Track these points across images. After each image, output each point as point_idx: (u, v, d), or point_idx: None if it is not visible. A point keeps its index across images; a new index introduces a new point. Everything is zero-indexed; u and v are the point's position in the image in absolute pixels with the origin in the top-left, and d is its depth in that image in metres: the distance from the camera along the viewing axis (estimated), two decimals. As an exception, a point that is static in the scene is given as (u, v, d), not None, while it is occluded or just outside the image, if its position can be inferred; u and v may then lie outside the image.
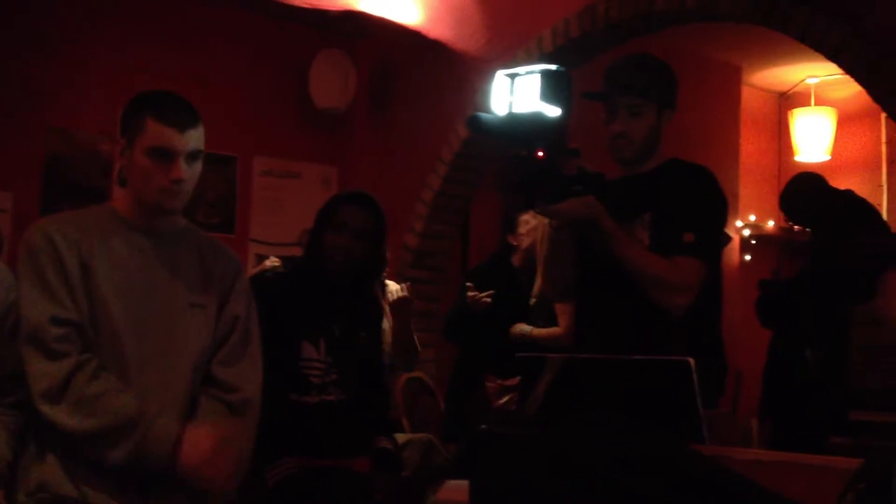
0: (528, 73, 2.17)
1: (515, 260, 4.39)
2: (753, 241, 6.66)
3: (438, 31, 5.36)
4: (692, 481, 1.34)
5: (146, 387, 2.08)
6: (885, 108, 3.68)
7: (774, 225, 6.68)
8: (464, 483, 1.70)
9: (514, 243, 4.38)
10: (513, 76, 2.19)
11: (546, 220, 2.48)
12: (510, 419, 1.70)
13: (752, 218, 6.68)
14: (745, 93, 6.74)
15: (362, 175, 5.61)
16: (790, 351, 3.93)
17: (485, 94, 2.29)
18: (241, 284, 2.27)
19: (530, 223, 4.17)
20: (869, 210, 3.94)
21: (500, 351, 4.04)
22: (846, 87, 5.66)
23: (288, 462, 2.54)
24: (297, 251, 4.13)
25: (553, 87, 2.14)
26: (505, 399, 4.08)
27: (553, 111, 2.17)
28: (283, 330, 2.58)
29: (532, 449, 1.52)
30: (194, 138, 2.12)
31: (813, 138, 6.48)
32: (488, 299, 4.10)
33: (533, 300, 4.11)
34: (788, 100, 6.96)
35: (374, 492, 2.63)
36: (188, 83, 4.15)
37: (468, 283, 4.15)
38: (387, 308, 3.86)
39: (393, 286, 3.96)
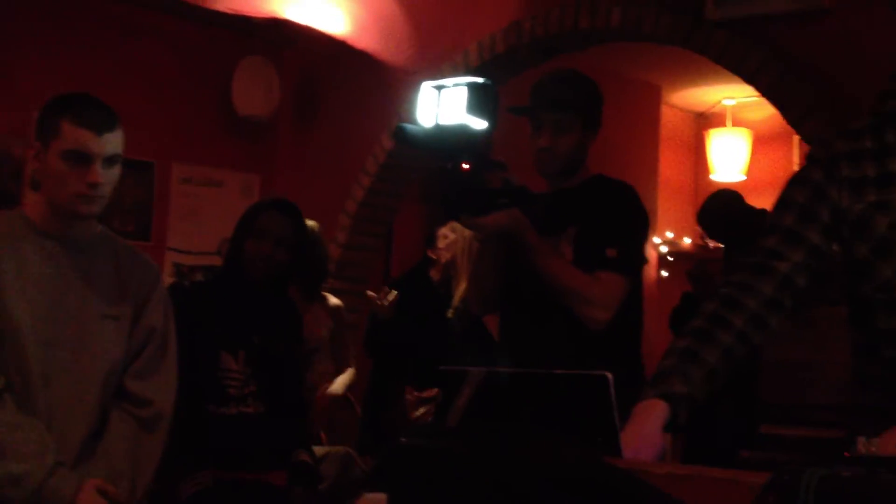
0: (454, 85, 2.17)
1: (434, 273, 4.40)
2: (670, 258, 6.79)
3: (365, 41, 5.35)
4: (609, 495, 1.34)
5: (53, 400, 2.01)
6: (797, 131, 3.79)
7: (691, 242, 6.83)
8: (381, 496, 1.69)
9: (434, 257, 4.39)
10: (439, 88, 2.19)
11: (469, 233, 2.48)
12: (429, 432, 1.69)
13: (670, 235, 6.82)
14: (665, 112, 6.89)
15: (285, 184, 5.55)
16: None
17: (411, 105, 2.29)
18: (158, 295, 2.21)
19: (449, 237, 4.18)
20: None
21: (417, 363, 4.04)
22: (761, 109, 5.83)
23: (203, 475, 2.50)
24: (217, 261, 4.07)
25: (479, 101, 2.15)
26: (422, 411, 4.07)
27: (479, 124, 2.18)
28: (202, 340, 2.54)
29: (451, 462, 1.51)
30: (112, 142, 2.07)
31: (729, 158, 6.65)
32: (387, 302, 4.08)
33: (452, 313, 4.12)
34: (706, 120, 7.13)
35: (292, 505, 2.60)
36: (106, 86, 4.04)
37: (368, 293, 4.13)
38: (328, 316, 3.82)
39: (333, 300, 3.92)
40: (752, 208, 4.20)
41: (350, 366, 3.95)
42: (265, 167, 5.72)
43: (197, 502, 2.47)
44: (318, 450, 2.90)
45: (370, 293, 4.12)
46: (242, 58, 5.47)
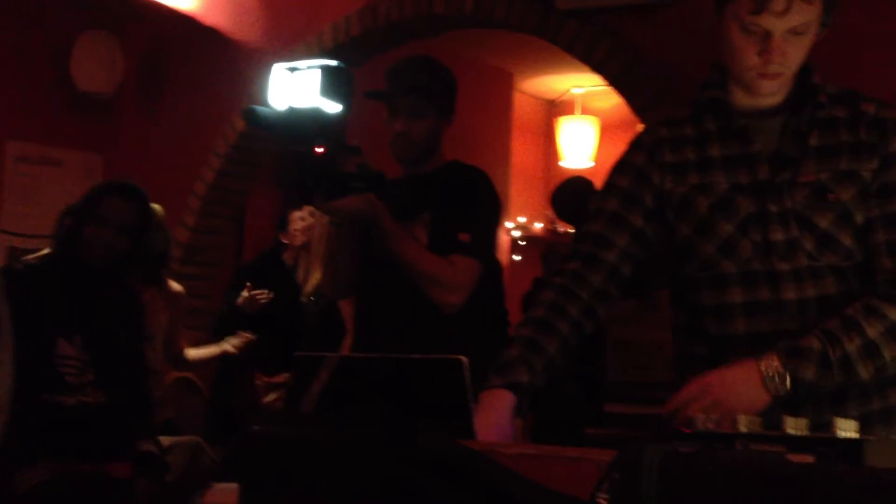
0: (307, 67, 2.14)
1: (287, 258, 4.34)
2: (522, 242, 6.94)
3: (214, 17, 5.20)
4: (462, 477, 1.36)
5: None
6: (642, 119, 3.93)
7: (542, 227, 7.00)
8: (233, 486, 1.65)
9: (286, 241, 4.32)
10: (292, 70, 2.15)
11: (325, 218, 2.46)
12: (283, 419, 1.67)
13: (522, 220, 6.96)
14: (517, 99, 7.01)
15: (129, 164, 5.33)
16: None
17: (262, 86, 2.24)
18: None
19: (305, 221, 4.13)
20: None
21: (268, 348, 3.98)
22: (609, 98, 6.01)
23: (40, 467, 2.39)
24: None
25: (333, 84, 2.12)
26: (272, 397, 4.02)
27: (333, 107, 2.15)
28: (36, 325, 2.42)
29: (306, 450, 1.50)
30: None
31: (578, 145, 6.84)
32: (264, 300, 4.01)
33: (305, 298, 4.07)
34: (556, 107, 7.31)
35: (136, 497, 2.52)
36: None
37: (247, 283, 4.04)
38: (169, 302, 3.70)
39: (174, 286, 3.80)
40: None
41: (183, 353, 3.85)
42: (108, 146, 5.48)
43: (34, 496, 2.36)
44: (166, 440, 2.82)
45: (246, 294, 4.01)
46: (83, 31, 5.22)
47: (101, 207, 2.60)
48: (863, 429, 1.05)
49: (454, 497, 1.37)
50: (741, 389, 1.50)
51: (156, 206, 3.60)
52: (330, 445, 1.48)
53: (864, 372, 1.53)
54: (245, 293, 4.05)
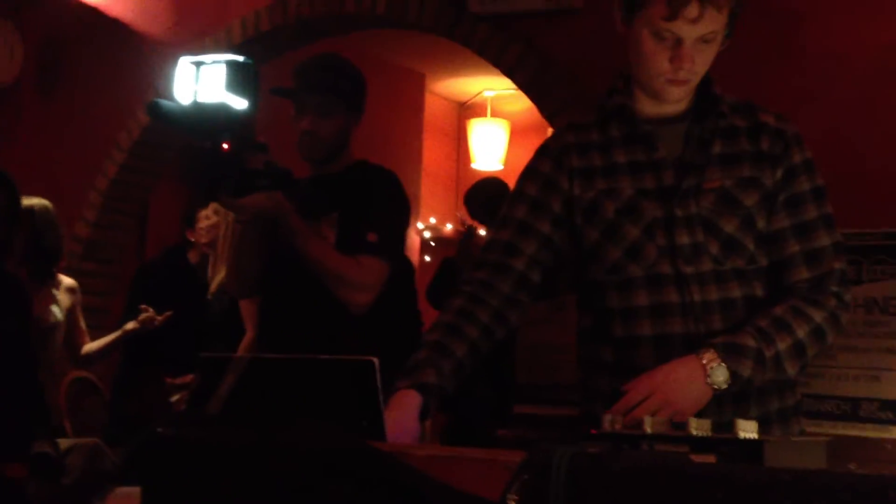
0: (214, 62, 2.09)
1: (192, 256, 4.25)
2: (433, 243, 6.95)
3: (118, 8, 5.06)
4: (373, 479, 1.35)
5: None
6: (551, 124, 3.98)
7: (453, 228, 7.02)
8: (135, 490, 1.60)
9: (192, 239, 4.23)
10: (198, 64, 2.11)
11: (230, 215, 2.42)
12: (188, 421, 1.63)
13: (433, 220, 6.97)
14: (428, 100, 7.02)
15: (26, 156, 5.14)
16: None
17: (167, 80, 2.18)
18: None
19: (211, 219, 4.05)
20: None
21: (172, 348, 3.89)
22: (519, 102, 6.07)
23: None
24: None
25: (240, 79, 2.09)
26: (176, 397, 3.93)
27: (239, 104, 2.11)
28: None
29: (212, 453, 1.46)
30: None
31: (488, 147, 6.89)
32: (159, 321, 3.90)
33: (210, 297, 3.99)
34: (467, 110, 7.34)
35: (31, 500, 2.43)
36: None
37: (142, 307, 3.91)
38: (62, 298, 3.57)
39: (67, 281, 3.68)
40: None
41: (81, 350, 3.73)
42: (5, 137, 5.28)
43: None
44: (64, 441, 2.73)
45: (145, 316, 3.88)
46: (-21, 18, 5.02)
47: None
48: (761, 428, 1.08)
49: (364, 499, 1.36)
50: (687, 387, 1.53)
51: (43, 202, 3.49)
52: (237, 448, 1.45)
53: (791, 369, 1.59)
54: (145, 315, 3.92)
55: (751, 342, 1.56)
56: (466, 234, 4.77)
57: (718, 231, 1.64)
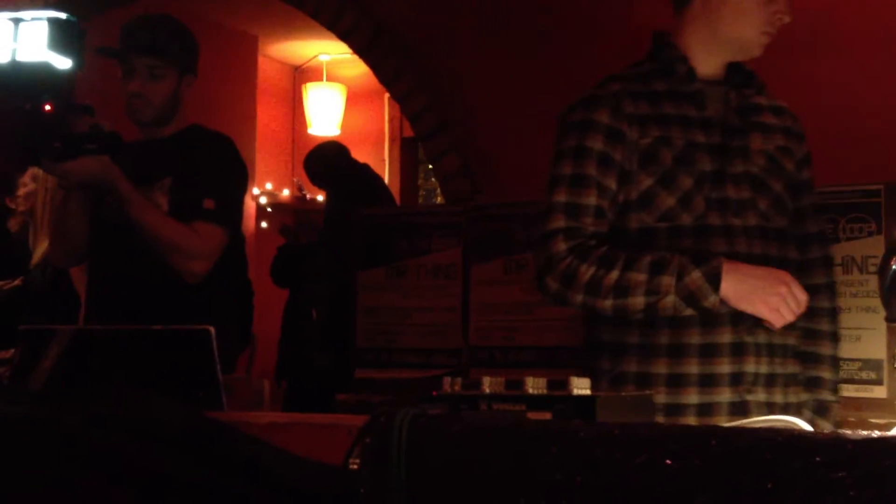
0: (33, 19, 1.98)
1: (12, 225, 4.02)
2: (269, 209, 6.84)
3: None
4: (211, 450, 1.33)
5: None
6: (388, 90, 3.98)
7: (289, 193, 6.93)
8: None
9: (13, 206, 4.00)
10: (16, 21, 1.99)
11: (53, 181, 2.30)
12: (8, 397, 1.55)
13: (269, 186, 6.85)
14: (262, 63, 6.86)
15: None
16: (300, 313, 4.13)
17: (-21, 36, 2.04)
18: None
19: (27, 186, 3.83)
20: (382, 186, 4.28)
21: None
22: (356, 66, 6.03)
23: None
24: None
25: (63, 38, 1.99)
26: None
27: (63, 63, 2.01)
28: None
29: (36, 429, 1.40)
30: None
31: (325, 112, 6.82)
32: (6, 286, 3.69)
33: (32, 267, 3.80)
34: (302, 74, 7.23)
35: None
36: None
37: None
38: None
39: None
40: (355, 162, 4.38)
41: None
42: None
43: None
44: None
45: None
46: None
47: None
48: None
49: (199, 471, 1.34)
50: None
51: None
52: (61, 424, 1.39)
53: None
54: None
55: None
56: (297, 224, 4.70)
57: (768, 189, 1.75)
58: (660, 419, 1.56)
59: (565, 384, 1.09)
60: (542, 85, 3.49)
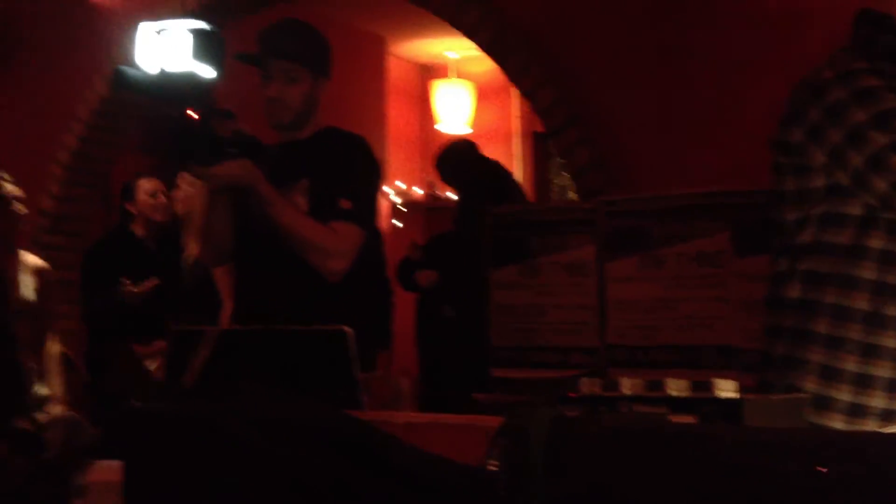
0: (177, 29, 2.07)
1: (136, 229, 4.19)
2: (402, 208, 6.93)
3: (70, -23, 4.97)
4: (352, 449, 1.36)
5: None
6: (516, 85, 3.96)
7: (422, 192, 7.00)
8: (115, 464, 1.60)
9: (133, 211, 4.18)
10: (160, 31, 2.08)
11: (202, 185, 2.40)
12: (164, 394, 1.63)
13: (401, 185, 6.94)
14: (391, 63, 6.95)
15: (-16, 131, 5.06)
16: (433, 312, 4.16)
17: (125, 49, 2.15)
18: None
19: (185, 189, 4.00)
20: (512, 183, 4.27)
21: (137, 319, 3.88)
22: (483, 63, 6.03)
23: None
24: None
25: (205, 47, 2.07)
26: (153, 365, 3.92)
27: (206, 71, 2.09)
28: None
29: (189, 426, 1.46)
30: None
31: (453, 109, 6.85)
32: (138, 290, 3.90)
33: (185, 267, 3.97)
34: (430, 71, 7.29)
35: (12, 477, 2.42)
36: None
37: (123, 279, 3.91)
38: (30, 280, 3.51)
39: (32, 260, 3.60)
40: (485, 159, 4.37)
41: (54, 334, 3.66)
42: (-39, 111, 5.18)
43: None
44: (41, 416, 2.72)
45: (128, 288, 3.88)
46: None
47: None
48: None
49: (342, 469, 1.37)
50: None
51: None
52: (213, 422, 1.45)
53: None
54: (126, 288, 3.91)
55: None
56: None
57: None
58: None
59: (709, 386, 1.06)
60: (679, 74, 3.41)
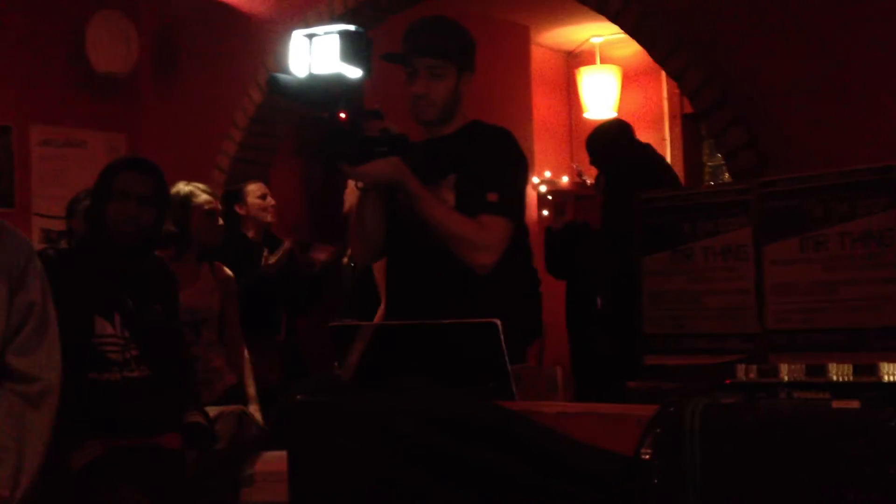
0: (326, 33, 2.13)
1: (248, 231, 4.32)
2: (550, 197, 6.90)
3: (225, -10, 5.19)
4: (505, 439, 1.37)
5: None
6: (664, 67, 3.87)
7: (569, 180, 6.95)
8: (282, 454, 1.68)
9: (242, 212, 4.31)
10: (310, 37, 2.15)
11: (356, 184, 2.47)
12: (324, 388, 1.69)
13: (548, 174, 6.91)
14: (534, 52, 6.93)
15: (152, 142, 5.36)
16: (582, 301, 4.11)
17: (278, 55, 2.24)
18: (33, 268, 2.11)
19: (349, 188, 4.13)
20: (665, 167, 4.16)
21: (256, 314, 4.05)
22: (628, 46, 5.93)
23: (93, 444, 2.44)
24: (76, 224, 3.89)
25: (352, 48, 2.12)
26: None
27: (353, 72, 2.14)
28: (74, 307, 2.45)
29: (350, 417, 1.51)
30: None
31: (600, 95, 6.76)
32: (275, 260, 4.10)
33: (343, 265, 4.11)
34: (575, 58, 7.21)
35: (187, 468, 2.56)
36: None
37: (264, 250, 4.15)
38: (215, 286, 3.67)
39: (224, 269, 3.72)
40: (637, 141, 4.26)
41: (240, 341, 3.78)
42: (129, 125, 5.51)
43: (90, 472, 2.41)
44: (212, 410, 2.87)
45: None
46: (96, 11, 5.22)
47: (119, 183, 2.64)
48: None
49: (497, 459, 1.38)
50: None
51: (191, 189, 3.58)
52: (374, 414, 1.49)
53: None
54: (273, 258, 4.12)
55: None
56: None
57: None
58: None
59: (874, 370, 1.01)
60: (833, 50, 3.25)
